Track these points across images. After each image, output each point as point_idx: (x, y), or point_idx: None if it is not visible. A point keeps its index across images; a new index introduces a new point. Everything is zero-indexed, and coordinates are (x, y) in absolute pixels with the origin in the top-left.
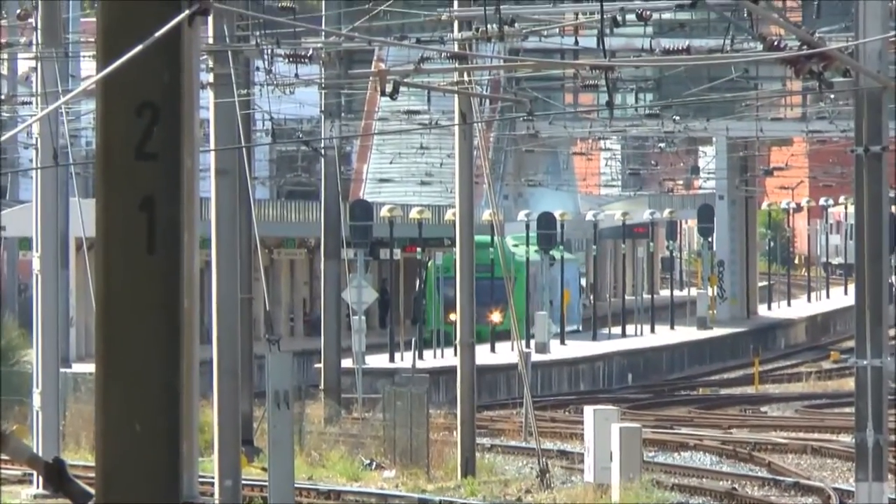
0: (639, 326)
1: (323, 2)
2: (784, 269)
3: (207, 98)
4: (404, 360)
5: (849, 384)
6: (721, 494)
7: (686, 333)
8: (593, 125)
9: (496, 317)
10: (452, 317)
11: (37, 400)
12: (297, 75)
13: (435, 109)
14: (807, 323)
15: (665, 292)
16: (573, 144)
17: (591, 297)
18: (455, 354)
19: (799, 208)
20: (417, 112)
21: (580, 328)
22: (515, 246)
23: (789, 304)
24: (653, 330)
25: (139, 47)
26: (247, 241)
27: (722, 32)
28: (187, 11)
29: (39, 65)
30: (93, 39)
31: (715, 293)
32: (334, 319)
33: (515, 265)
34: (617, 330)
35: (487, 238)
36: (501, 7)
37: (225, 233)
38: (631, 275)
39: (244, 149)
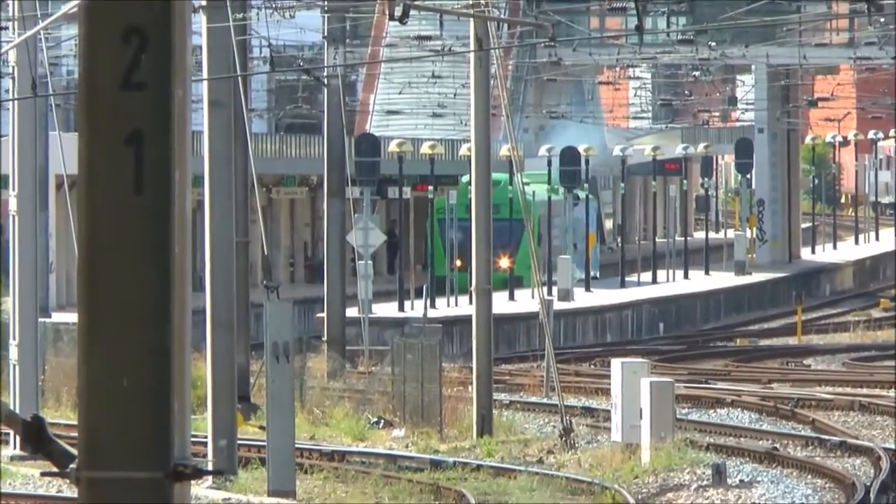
0: (671, 272)
1: None
2: (829, 209)
3: (200, 23)
4: (415, 308)
5: None
6: (761, 455)
7: (722, 279)
8: (621, 52)
9: (504, 262)
10: (460, 263)
11: (14, 353)
12: None
13: (448, 35)
14: (854, 267)
15: (699, 234)
16: (599, 73)
17: (619, 240)
18: (470, 302)
19: (846, 142)
20: (429, 38)
21: (598, 275)
22: (527, 184)
23: (835, 247)
24: (686, 276)
25: None
26: (243, 178)
27: None
28: None
29: None
30: None
31: (754, 235)
32: (338, 264)
33: (528, 205)
34: (647, 276)
35: (497, 175)
36: None
37: (219, 170)
38: (662, 215)
39: (240, 78)
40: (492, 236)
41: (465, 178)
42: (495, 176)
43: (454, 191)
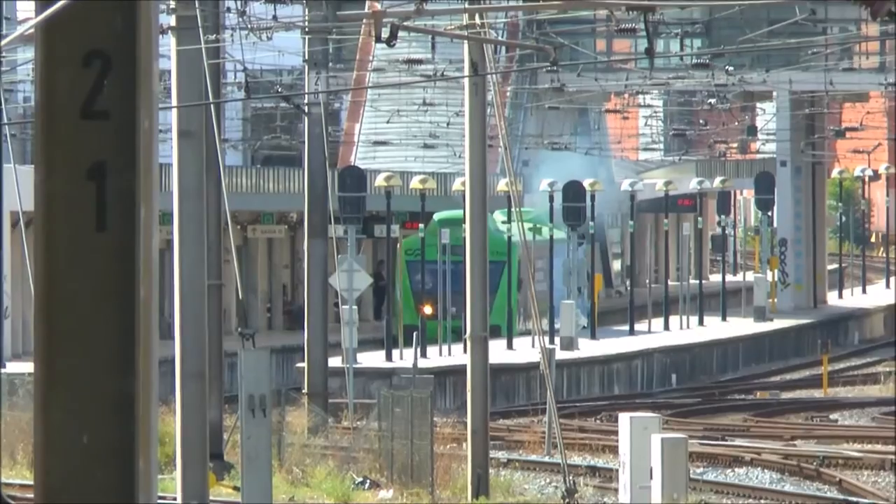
0: (684, 318)
1: None
2: (858, 250)
3: (169, 45)
4: (404, 358)
5: None
6: None
7: (741, 326)
8: (630, 77)
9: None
10: (427, 310)
11: None
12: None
13: (440, 58)
14: (885, 313)
15: (716, 277)
16: (606, 100)
17: (628, 283)
18: (465, 351)
19: (876, 176)
20: (419, 62)
21: (585, 325)
22: (504, 223)
23: (864, 291)
24: (701, 322)
25: None
26: (215, 215)
27: None
28: None
29: None
30: None
31: (776, 278)
32: (320, 310)
33: (503, 246)
34: (658, 322)
35: (460, 213)
36: None
37: (189, 206)
38: (675, 256)
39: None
40: (487, 280)
41: (437, 216)
42: (459, 214)
43: (446, 230)
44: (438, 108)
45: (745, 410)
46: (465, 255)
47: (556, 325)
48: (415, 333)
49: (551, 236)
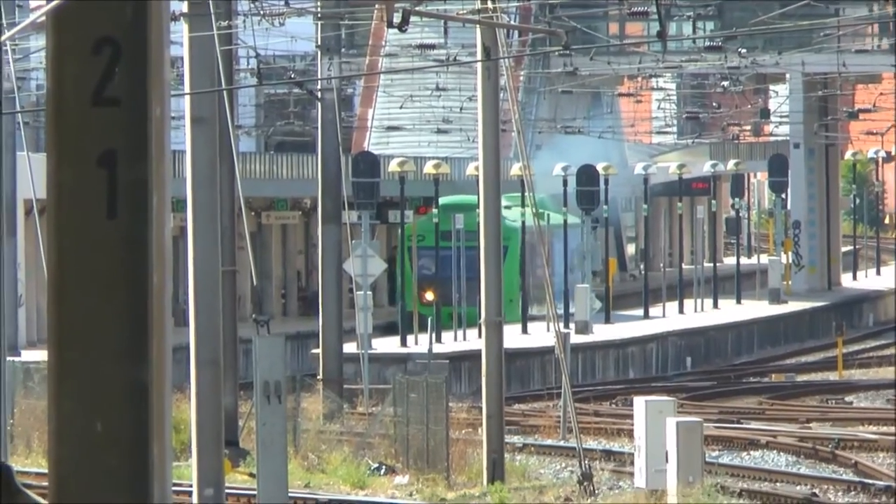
0: (699, 301)
1: None
2: (872, 231)
3: (181, 32)
4: (419, 343)
5: None
6: (799, 502)
7: (755, 309)
8: (643, 60)
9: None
10: (429, 296)
11: None
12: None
13: (453, 43)
14: None
15: (730, 260)
16: (619, 84)
17: (642, 267)
18: (479, 336)
19: (889, 158)
20: (432, 46)
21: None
22: (507, 208)
23: (878, 273)
24: (715, 305)
25: None
26: (229, 202)
27: None
28: None
29: None
30: None
31: (790, 260)
32: (334, 296)
33: (506, 232)
34: (673, 306)
35: (467, 198)
36: None
37: (203, 193)
38: (689, 239)
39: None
40: (501, 264)
41: (442, 201)
42: (467, 198)
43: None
44: (451, 93)
45: (761, 393)
46: (479, 239)
47: (561, 311)
48: (430, 318)
49: (565, 221)
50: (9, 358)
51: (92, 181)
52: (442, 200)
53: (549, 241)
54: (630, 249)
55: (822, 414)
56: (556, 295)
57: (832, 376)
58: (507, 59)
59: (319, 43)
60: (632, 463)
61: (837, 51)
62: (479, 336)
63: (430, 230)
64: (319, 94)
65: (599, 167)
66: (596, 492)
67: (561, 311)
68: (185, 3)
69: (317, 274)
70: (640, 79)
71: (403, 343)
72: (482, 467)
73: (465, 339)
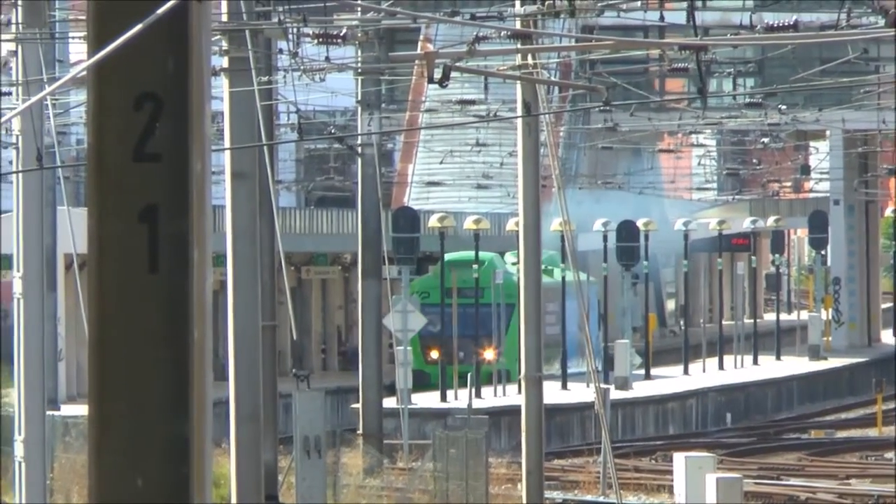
0: (739, 357)
1: None
2: None
3: (221, 87)
4: (458, 398)
5: None
6: None
7: (795, 365)
8: (683, 117)
9: (489, 354)
10: (434, 354)
11: (19, 449)
12: (328, 59)
13: (493, 99)
14: None
15: (770, 316)
16: (659, 140)
17: (682, 323)
18: (519, 391)
19: None
20: (472, 102)
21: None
22: (514, 264)
23: None
24: (755, 361)
25: (138, 26)
26: (269, 257)
27: (836, 5)
28: None
29: (20, 48)
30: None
31: (830, 317)
32: (374, 351)
33: (514, 288)
34: (713, 362)
35: (483, 255)
36: None
37: (243, 248)
38: (729, 295)
39: (266, 147)
40: (541, 320)
41: (447, 256)
42: (482, 255)
43: (499, 272)
44: (491, 148)
45: (800, 450)
46: (520, 294)
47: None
48: (469, 374)
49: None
50: (49, 412)
51: (133, 236)
52: (448, 257)
53: (562, 298)
54: (670, 305)
55: (861, 470)
56: (570, 352)
57: (872, 433)
58: (547, 115)
59: (360, 98)
60: None
61: (877, 108)
62: (519, 391)
63: (433, 287)
64: (360, 150)
65: (640, 223)
66: None
67: (571, 370)
68: (226, 59)
69: (357, 329)
70: (680, 135)
71: (443, 398)
72: None
73: (504, 394)
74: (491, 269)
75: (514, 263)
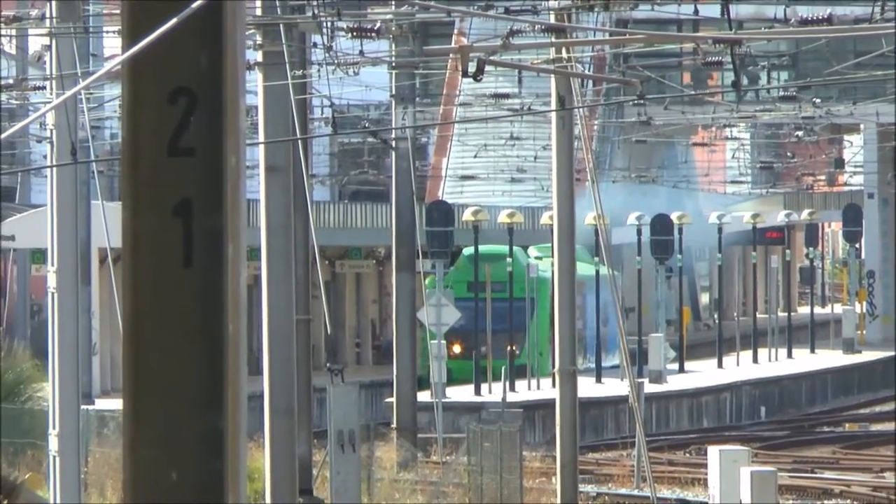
0: (773, 351)
1: None
2: None
3: (255, 81)
4: (493, 392)
5: None
6: None
7: (829, 359)
8: (717, 110)
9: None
10: (456, 349)
11: (53, 443)
12: (362, 53)
13: (527, 92)
14: None
15: (804, 310)
16: (693, 133)
17: (716, 316)
18: (553, 385)
19: None
20: (506, 96)
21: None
22: (538, 258)
23: None
24: (790, 355)
25: (173, 21)
26: (303, 251)
27: None
28: None
29: (54, 42)
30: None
31: (864, 310)
32: (409, 344)
33: (539, 283)
34: (747, 355)
35: (495, 248)
36: None
37: (277, 242)
38: (763, 289)
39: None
40: (574, 313)
41: (465, 251)
42: (495, 249)
43: (537, 263)
44: (525, 142)
45: (835, 443)
46: (554, 287)
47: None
48: (503, 368)
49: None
50: (83, 406)
51: (167, 230)
52: (465, 251)
53: (582, 292)
54: (704, 299)
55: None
56: (589, 347)
57: None
58: (581, 109)
59: (394, 92)
60: None
61: None
62: (553, 385)
63: (457, 280)
64: (394, 143)
65: (674, 216)
66: None
67: (592, 365)
68: (260, 53)
69: (391, 323)
70: (714, 128)
71: (477, 392)
72: None
73: (538, 388)
74: (504, 265)
75: (537, 258)
